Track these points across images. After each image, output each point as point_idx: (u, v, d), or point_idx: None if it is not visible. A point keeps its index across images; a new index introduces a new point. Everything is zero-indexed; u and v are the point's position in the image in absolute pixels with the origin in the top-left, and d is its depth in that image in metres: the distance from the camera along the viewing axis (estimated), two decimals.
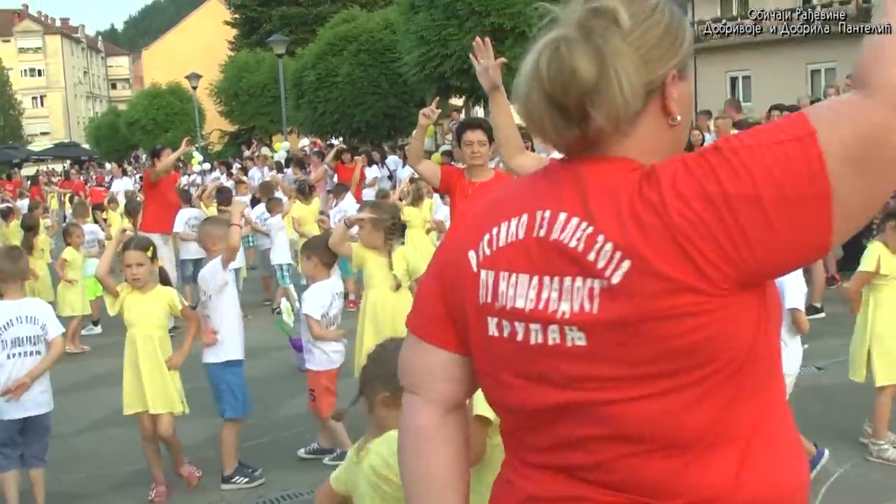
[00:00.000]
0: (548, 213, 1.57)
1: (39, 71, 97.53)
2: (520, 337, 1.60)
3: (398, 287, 6.47)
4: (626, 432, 1.52)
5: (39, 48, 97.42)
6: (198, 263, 12.38)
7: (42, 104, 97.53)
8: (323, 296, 6.32)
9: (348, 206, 12.92)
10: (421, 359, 1.77)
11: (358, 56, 25.09)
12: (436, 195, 13.01)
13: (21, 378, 5.36)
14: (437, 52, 18.45)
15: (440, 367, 1.75)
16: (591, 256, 1.49)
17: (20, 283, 5.68)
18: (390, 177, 19.62)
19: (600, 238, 1.48)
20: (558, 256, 1.54)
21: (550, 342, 1.55)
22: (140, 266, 5.81)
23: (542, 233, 1.57)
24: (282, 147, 27.50)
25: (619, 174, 1.53)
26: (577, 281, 1.51)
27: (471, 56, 3.87)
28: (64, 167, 43.60)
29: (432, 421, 1.75)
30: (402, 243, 8.78)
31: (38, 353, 5.46)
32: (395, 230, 6.53)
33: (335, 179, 18.95)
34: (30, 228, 12.10)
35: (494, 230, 1.65)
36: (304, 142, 32.69)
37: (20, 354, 5.43)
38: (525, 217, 1.61)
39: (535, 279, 1.57)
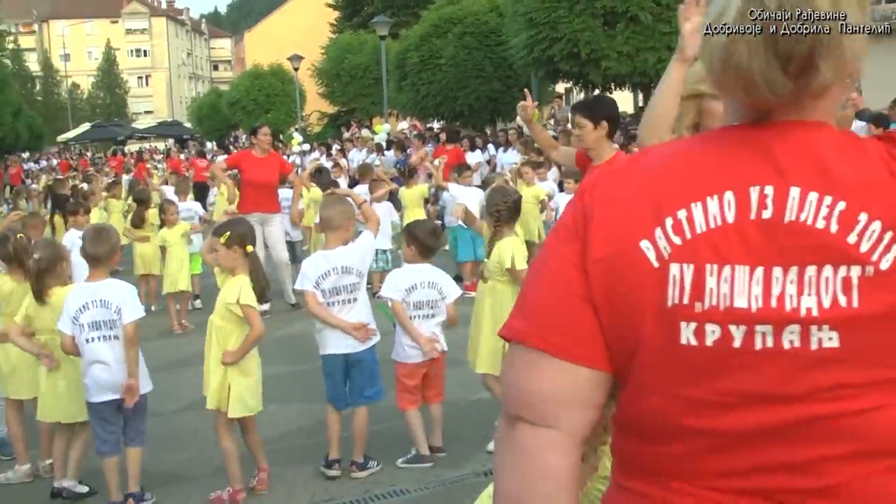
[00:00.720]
0: (770, 189, 1.32)
1: (145, 51, 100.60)
2: (736, 343, 1.32)
3: (484, 278, 6.17)
4: (877, 447, 1.30)
5: (145, 30, 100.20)
6: (291, 246, 12.43)
7: (147, 84, 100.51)
8: (403, 280, 6.01)
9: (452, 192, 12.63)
10: (553, 381, 1.43)
11: (462, 38, 24.68)
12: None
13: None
14: (546, 34, 17.93)
15: (585, 390, 1.43)
16: (852, 239, 1.27)
17: (104, 265, 5.47)
18: (489, 162, 19.36)
19: (863, 216, 1.27)
20: (797, 241, 1.30)
21: (786, 345, 1.30)
22: (214, 251, 5.57)
23: (766, 214, 1.32)
24: (382, 129, 27.43)
25: (843, 141, 1.35)
26: (826, 270, 1.28)
27: (678, 13, 3.35)
28: (166, 145, 44.42)
29: (571, 461, 1.44)
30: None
31: (117, 337, 5.29)
32: (502, 216, 6.15)
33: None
34: (141, 202, 12.18)
35: (681, 213, 1.36)
36: (404, 125, 32.67)
37: (99, 339, 5.29)
38: (730, 195, 1.34)
39: (760, 271, 1.31)
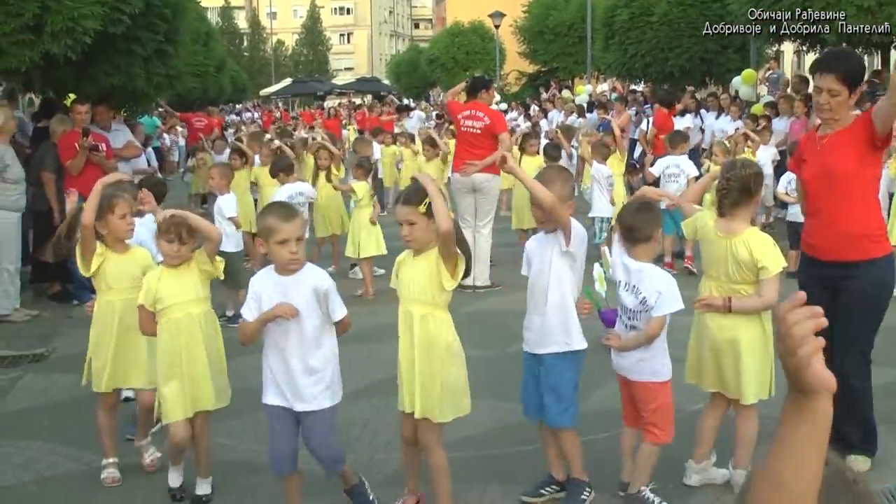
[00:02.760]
0: None
1: (348, 10, 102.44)
2: None
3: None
4: None
5: None
6: None
7: (348, 41, 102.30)
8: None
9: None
10: None
11: None
12: None
13: None
14: None
15: None
16: None
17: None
18: (701, 129, 17.87)
19: None
20: None
21: None
22: (410, 225, 4.32)
23: None
24: (584, 90, 26.10)
25: None
26: None
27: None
28: (363, 100, 44.51)
29: None
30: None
31: None
32: (727, 198, 4.78)
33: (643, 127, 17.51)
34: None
35: None
36: (604, 86, 31.17)
37: None
38: None
39: None
